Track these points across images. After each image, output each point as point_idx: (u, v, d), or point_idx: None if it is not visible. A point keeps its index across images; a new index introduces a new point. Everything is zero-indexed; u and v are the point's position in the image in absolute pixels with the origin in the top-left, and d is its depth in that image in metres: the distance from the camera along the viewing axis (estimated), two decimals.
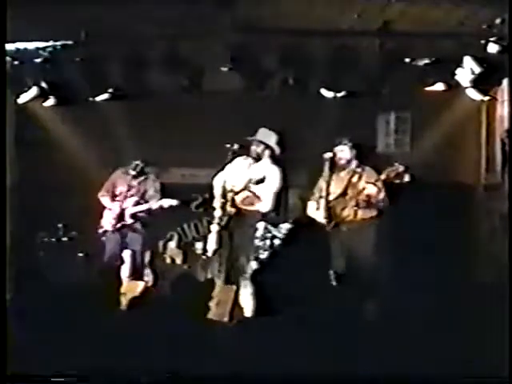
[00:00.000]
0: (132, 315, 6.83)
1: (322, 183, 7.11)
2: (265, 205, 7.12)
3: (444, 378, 6.33)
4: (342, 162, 7.11)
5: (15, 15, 6.29)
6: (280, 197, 7.16)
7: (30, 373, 6.32)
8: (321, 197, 7.04)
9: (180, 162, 7.15)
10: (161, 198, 7.25)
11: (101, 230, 7.25)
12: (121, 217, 7.29)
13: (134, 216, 7.30)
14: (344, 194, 7.07)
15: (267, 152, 7.15)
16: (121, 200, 7.32)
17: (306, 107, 7.00)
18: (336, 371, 6.31)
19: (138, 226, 7.31)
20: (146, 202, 7.33)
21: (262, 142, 7.12)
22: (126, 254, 7.22)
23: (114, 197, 7.35)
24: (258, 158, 7.17)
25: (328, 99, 7.07)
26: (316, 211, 7.07)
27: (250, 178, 7.15)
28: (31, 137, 7.22)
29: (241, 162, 7.18)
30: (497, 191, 6.94)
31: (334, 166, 7.12)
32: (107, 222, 7.26)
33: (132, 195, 7.34)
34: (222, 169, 7.13)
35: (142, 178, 7.36)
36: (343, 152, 7.10)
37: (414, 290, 6.65)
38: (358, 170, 7.11)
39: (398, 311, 6.61)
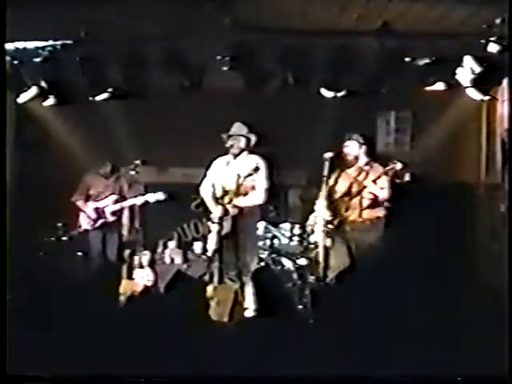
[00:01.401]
0: (131, 315, 6.84)
1: (330, 181, 7.12)
2: (259, 195, 7.13)
3: (444, 377, 6.35)
4: (349, 158, 7.11)
5: (15, 15, 6.28)
6: (278, 195, 7.17)
7: (30, 373, 6.35)
8: (330, 195, 7.07)
9: (180, 161, 7.13)
10: (144, 194, 7.26)
11: (80, 229, 7.22)
12: (99, 216, 7.28)
13: (114, 213, 7.29)
14: (349, 192, 7.08)
15: (247, 144, 7.17)
16: (97, 200, 7.30)
17: (306, 107, 6.98)
18: (336, 372, 6.35)
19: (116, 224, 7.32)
20: (124, 199, 7.32)
21: (243, 136, 7.14)
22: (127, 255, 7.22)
23: (87, 199, 7.32)
24: (237, 154, 7.17)
25: (328, 99, 7.06)
26: (324, 209, 7.07)
27: (238, 173, 7.17)
28: (31, 136, 7.21)
29: (221, 161, 7.19)
30: (497, 191, 6.94)
31: (343, 163, 7.13)
32: (85, 222, 7.26)
33: (110, 194, 7.32)
34: (205, 176, 7.14)
35: (116, 176, 7.33)
36: (350, 148, 7.10)
37: (413, 289, 6.67)
38: (366, 167, 7.10)
39: (398, 311, 6.63)
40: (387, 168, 6.99)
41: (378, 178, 7.01)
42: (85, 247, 7.18)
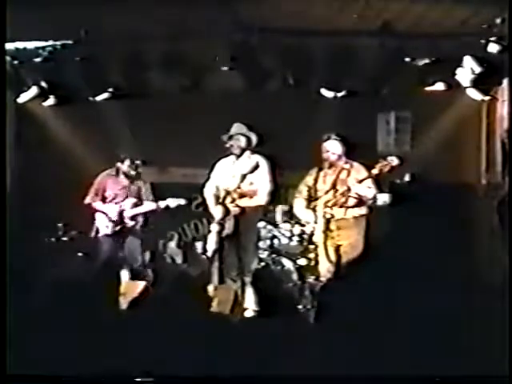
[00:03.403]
0: (132, 315, 6.84)
1: (309, 180, 7.12)
2: (262, 197, 7.13)
3: (444, 378, 6.35)
4: (333, 157, 7.10)
5: (15, 15, 6.29)
6: (279, 196, 7.18)
7: (30, 373, 6.35)
8: (310, 195, 7.08)
9: (180, 161, 7.13)
10: (154, 197, 7.23)
11: (100, 235, 7.18)
12: (118, 219, 7.25)
13: (133, 218, 7.27)
14: (333, 191, 7.08)
15: (248, 144, 7.17)
16: (116, 202, 7.28)
17: (306, 107, 6.99)
18: (337, 372, 6.35)
19: (137, 228, 7.25)
20: (141, 201, 7.28)
21: (243, 135, 7.14)
22: (126, 256, 7.19)
23: (103, 199, 7.28)
24: (240, 154, 7.18)
25: (328, 99, 7.06)
26: (304, 209, 7.08)
27: (241, 173, 7.17)
28: (31, 136, 7.20)
29: (224, 162, 7.19)
30: (497, 191, 6.94)
31: (322, 162, 7.13)
32: (103, 225, 7.20)
33: (127, 196, 7.30)
34: (209, 178, 7.14)
35: (134, 177, 7.30)
36: (333, 147, 7.10)
37: (413, 289, 6.67)
38: (346, 166, 7.11)
39: (398, 311, 6.63)
40: (381, 164, 6.99)
41: (366, 178, 7.00)
42: (86, 247, 7.15)
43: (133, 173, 7.26)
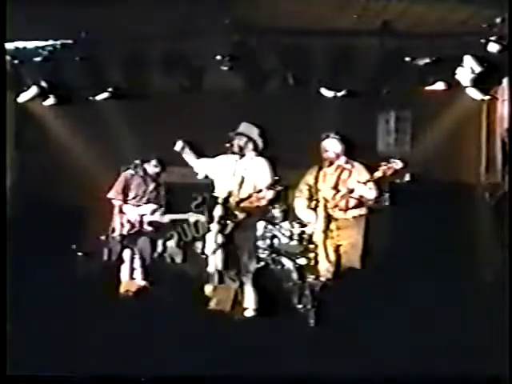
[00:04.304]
0: (132, 315, 6.84)
1: (309, 179, 7.12)
2: (262, 199, 7.14)
3: (444, 377, 6.36)
4: (332, 155, 7.10)
5: (15, 14, 6.30)
6: (280, 196, 7.18)
7: (30, 373, 6.36)
8: (311, 195, 7.08)
9: (180, 161, 7.14)
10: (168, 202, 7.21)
11: (115, 234, 7.17)
12: (136, 222, 7.23)
13: (150, 223, 7.24)
14: (334, 192, 7.07)
15: (250, 145, 7.15)
16: (136, 204, 7.25)
17: (306, 107, 6.99)
18: (337, 372, 6.36)
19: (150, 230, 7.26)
20: (160, 207, 7.26)
21: (243, 135, 7.13)
22: (127, 255, 7.18)
23: (125, 198, 7.26)
24: (240, 154, 7.17)
25: (328, 99, 7.06)
26: (305, 209, 7.08)
27: (242, 175, 7.16)
28: (31, 136, 7.21)
29: (225, 163, 7.19)
30: (497, 191, 6.94)
31: (322, 161, 7.13)
32: (119, 225, 7.18)
33: (149, 201, 7.28)
34: (207, 176, 7.17)
35: (157, 181, 7.27)
36: (331, 145, 7.09)
37: (413, 289, 6.67)
38: (348, 166, 7.10)
39: (398, 310, 6.63)
40: (385, 167, 6.99)
41: (368, 180, 6.99)
42: (86, 247, 7.15)
43: (157, 171, 7.25)
